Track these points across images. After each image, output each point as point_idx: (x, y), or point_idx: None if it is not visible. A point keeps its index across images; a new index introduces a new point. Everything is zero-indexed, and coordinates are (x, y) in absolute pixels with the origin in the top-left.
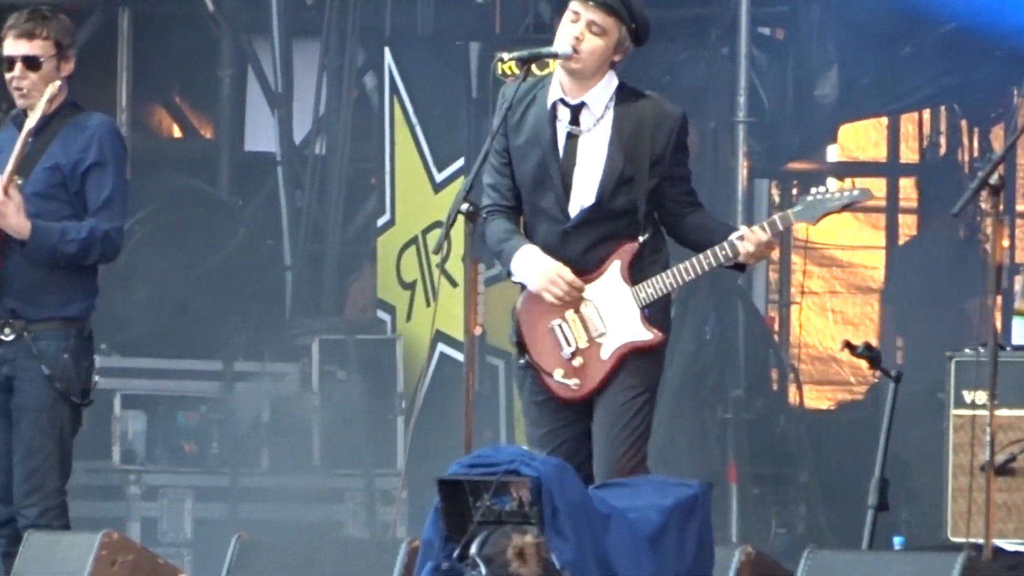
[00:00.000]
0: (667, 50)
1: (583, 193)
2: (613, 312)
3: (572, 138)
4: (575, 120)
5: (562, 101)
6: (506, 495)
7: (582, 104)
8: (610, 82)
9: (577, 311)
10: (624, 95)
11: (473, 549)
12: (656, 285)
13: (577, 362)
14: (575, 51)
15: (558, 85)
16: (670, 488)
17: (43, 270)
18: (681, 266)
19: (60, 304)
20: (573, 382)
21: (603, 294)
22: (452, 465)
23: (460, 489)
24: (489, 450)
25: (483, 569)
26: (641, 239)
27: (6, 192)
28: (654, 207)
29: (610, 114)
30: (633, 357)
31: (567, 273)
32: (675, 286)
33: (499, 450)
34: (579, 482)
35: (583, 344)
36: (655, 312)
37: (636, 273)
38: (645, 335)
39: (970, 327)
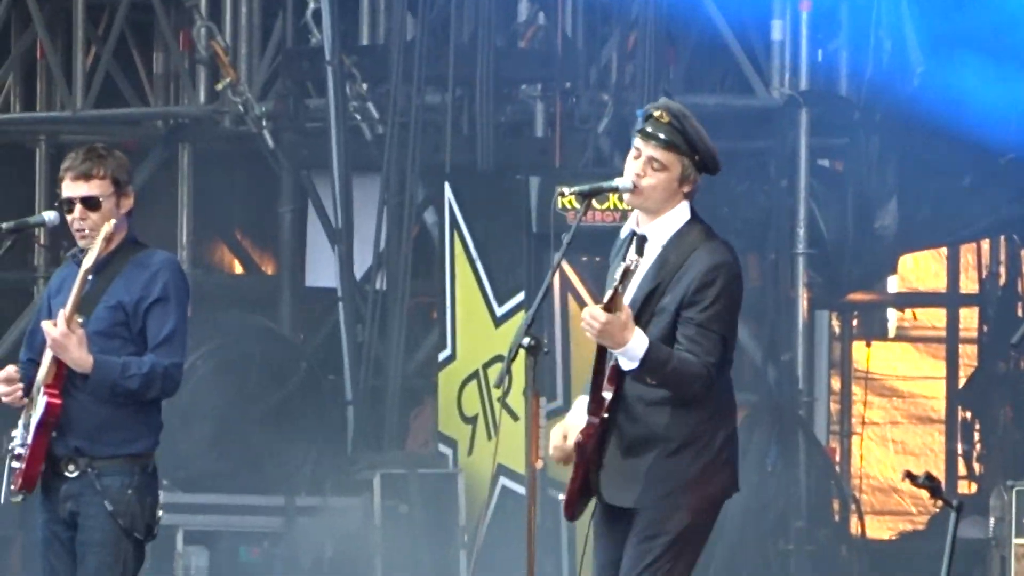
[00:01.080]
0: (727, 182)
1: None
2: None
3: (636, 266)
4: (640, 250)
5: (635, 232)
6: None
7: (645, 236)
8: (678, 214)
9: None
10: (688, 227)
11: None
12: None
13: None
14: (636, 187)
15: (635, 216)
16: None
17: (107, 409)
18: None
19: (124, 441)
20: None
21: None
22: None
23: None
24: None
25: None
26: None
27: (68, 326)
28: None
29: (665, 248)
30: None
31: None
32: None
33: None
34: None
35: None
36: None
37: None
38: None
39: None
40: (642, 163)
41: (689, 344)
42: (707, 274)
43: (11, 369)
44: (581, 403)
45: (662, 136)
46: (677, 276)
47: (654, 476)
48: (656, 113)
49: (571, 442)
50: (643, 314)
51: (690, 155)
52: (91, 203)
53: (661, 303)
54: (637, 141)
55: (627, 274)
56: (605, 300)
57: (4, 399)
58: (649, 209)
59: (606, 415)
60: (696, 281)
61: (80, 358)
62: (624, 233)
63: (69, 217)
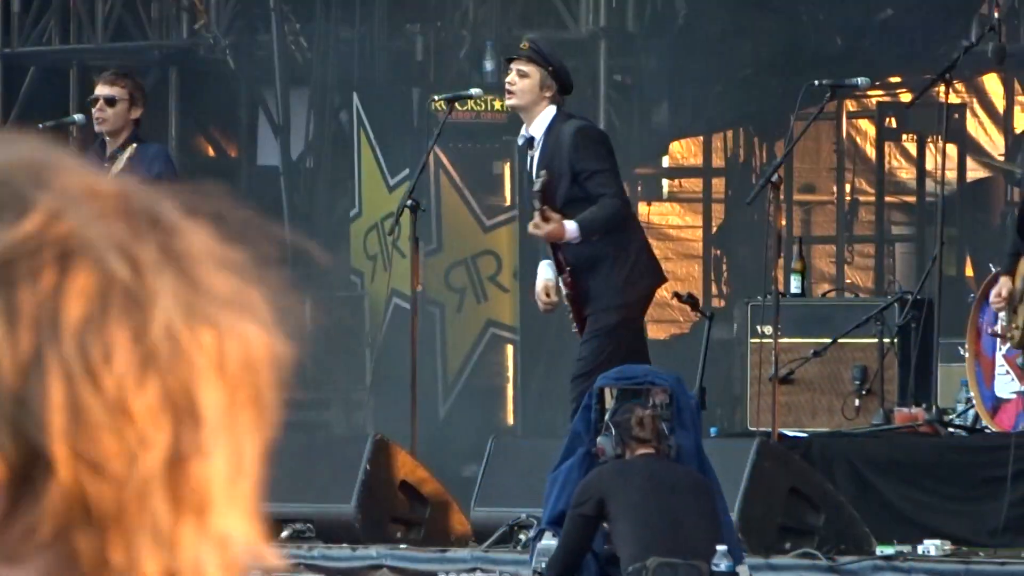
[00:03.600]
0: None
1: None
2: None
3: (534, 160)
4: (532, 145)
5: (525, 136)
6: (642, 399)
7: (531, 136)
8: (547, 114)
9: None
10: (555, 120)
11: (607, 417)
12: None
13: None
14: (509, 92)
15: (523, 125)
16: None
17: None
18: None
19: None
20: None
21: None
22: (599, 379)
23: (602, 395)
24: (625, 368)
25: (613, 431)
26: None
27: None
28: (578, 203)
29: (543, 138)
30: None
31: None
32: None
33: (630, 368)
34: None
35: None
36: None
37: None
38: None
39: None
40: (512, 74)
41: (597, 188)
42: (576, 138)
43: None
44: (543, 267)
45: (524, 54)
46: (559, 152)
47: (597, 291)
48: (522, 44)
49: (552, 297)
50: (549, 189)
51: (545, 66)
52: (110, 100)
53: (559, 173)
54: (509, 64)
55: (542, 194)
56: (538, 217)
57: None
58: (523, 110)
59: (568, 268)
60: (572, 148)
61: None
62: (520, 140)
63: (93, 110)
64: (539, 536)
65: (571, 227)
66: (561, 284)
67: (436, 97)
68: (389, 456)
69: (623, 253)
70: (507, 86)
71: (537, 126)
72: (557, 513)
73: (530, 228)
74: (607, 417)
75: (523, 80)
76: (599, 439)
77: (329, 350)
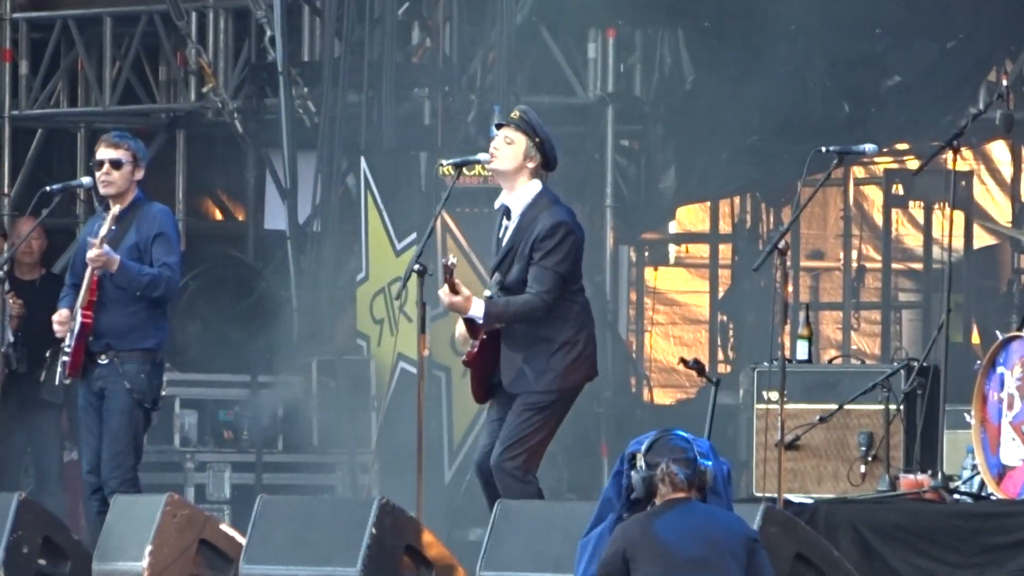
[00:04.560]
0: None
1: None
2: None
3: (507, 230)
4: (509, 216)
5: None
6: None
7: (507, 206)
8: (530, 189)
9: None
10: (538, 198)
11: (642, 448)
12: None
13: None
14: (493, 156)
15: (503, 192)
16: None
17: (128, 315)
18: None
19: (140, 339)
20: None
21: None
22: (631, 444)
23: (634, 460)
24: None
25: (644, 468)
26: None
27: (100, 248)
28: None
29: (521, 215)
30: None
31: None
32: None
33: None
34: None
35: None
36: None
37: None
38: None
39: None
40: (498, 139)
41: (532, 281)
42: (548, 230)
43: (64, 313)
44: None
45: (513, 122)
46: (528, 233)
47: (535, 372)
48: (513, 113)
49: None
50: (506, 261)
51: (532, 136)
52: (116, 164)
53: (519, 252)
54: (498, 130)
55: (448, 270)
56: (447, 288)
57: (57, 331)
58: (504, 177)
59: (484, 336)
60: (539, 235)
61: (112, 260)
62: (497, 205)
63: (98, 173)
64: None
65: (477, 306)
66: (470, 347)
67: (444, 162)
68: (395, 520)
69: (571, 339)
70: (491, 150)
71: (517, 198)
72: None
73: (439, 293)
74: (642, 451)
75: (508, 147)
76: (632, 474)
77: (335, 414)
